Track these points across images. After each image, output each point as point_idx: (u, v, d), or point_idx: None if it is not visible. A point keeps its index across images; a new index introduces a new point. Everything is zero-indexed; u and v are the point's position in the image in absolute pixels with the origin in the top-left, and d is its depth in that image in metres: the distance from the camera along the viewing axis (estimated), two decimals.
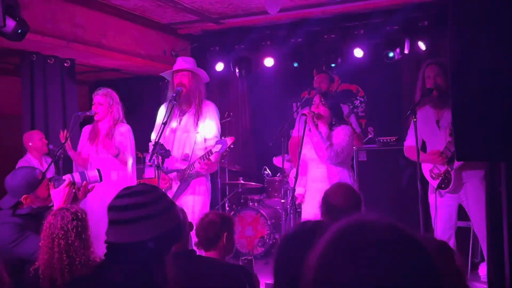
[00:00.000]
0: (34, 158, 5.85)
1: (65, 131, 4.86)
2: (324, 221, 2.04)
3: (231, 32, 7.58)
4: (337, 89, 7.57)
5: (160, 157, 4.08)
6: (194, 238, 3.05)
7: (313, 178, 4.42)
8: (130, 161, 4.96)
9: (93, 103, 4.94)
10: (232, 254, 3.09)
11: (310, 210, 4.22)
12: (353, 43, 7.00)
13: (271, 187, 6.98)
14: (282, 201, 6.11)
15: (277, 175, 6.89)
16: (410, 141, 4.46)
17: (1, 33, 4.73)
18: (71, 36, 5.95)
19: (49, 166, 4.89)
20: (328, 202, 3.02)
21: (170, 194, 4.51)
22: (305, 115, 4.37)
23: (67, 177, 3.14)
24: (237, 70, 7.64)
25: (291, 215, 4.77)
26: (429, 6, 6.50)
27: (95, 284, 1.74)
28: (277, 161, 6.67)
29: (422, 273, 1.00)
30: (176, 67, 4.70)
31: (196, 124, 4.55)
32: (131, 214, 1.69)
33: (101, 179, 3.30)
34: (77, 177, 3.18)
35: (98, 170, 3.30)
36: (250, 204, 6.86)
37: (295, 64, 7.41)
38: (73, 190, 3.09)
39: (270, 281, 1.88)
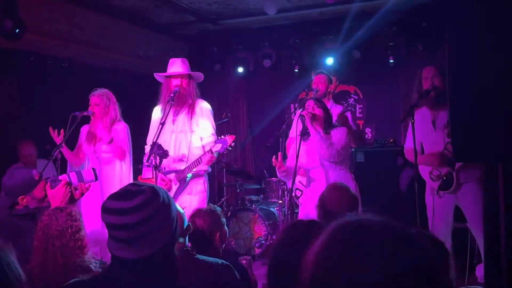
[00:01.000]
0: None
1: (56, 130, 4.83)
2: (317, 221, 2.05)
3: (229, 33, 7.59)
4: (334, 90, 7.58)
5: (158, 157, 4.07)
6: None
7: (315, 183, 4.42)
8: (127, 157, 4.97)
9: (89, 103, 4.95)
10: (227, 241, 3.10)
11: (308, 212, 4.22)
12: (351, 45, 7.01)
13: (268, 188, 6.98)
14: (280, 202, 6.11)
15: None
16: (409, 143, 4.47)
17: None
18: (69, 37, 5.94)
19: (46, 166, 4.88)
20: (324, 205, 3.02)
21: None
22: (303, 116, 4.38)
23: (63, 177, 3.13)
24: (235, 71, 7.65)
25: (289, 216, 4.78)
26: (427, 8, 6.52)
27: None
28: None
29: (420, 270, 1.00)
30: (172, 69, 4.69)
31: (190, 124, 4.55)
32: (133, 233, 1.61)
33: (96, 179, 3.29)
34: (73, 177, 3.17)
35: (93, 170, 3.29)
36: (248, 204, 6.86)
37: (299, 65, 7.43)
38: (70, 190, 3.08)
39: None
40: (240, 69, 7.77)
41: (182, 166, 4.51)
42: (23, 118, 6.11)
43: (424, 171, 4.35)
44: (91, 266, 2.47)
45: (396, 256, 1.00)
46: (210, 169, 4.78)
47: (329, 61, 7.22)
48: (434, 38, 6.68)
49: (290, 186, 4.37)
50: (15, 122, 6.48)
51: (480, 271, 4.62)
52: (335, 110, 5.39)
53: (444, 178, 4.26)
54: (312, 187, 4.41)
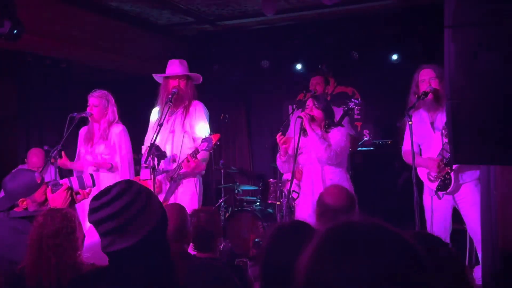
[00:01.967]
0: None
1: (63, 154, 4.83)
2: (301, 222, 2.06)
3: (228, 34, 7.59)
4: (333, 92, 7.58)
5: (155, 158, 4.07)
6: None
7: (310, 180, 4.41)
8: (126, 162, 4.96)
9: (88, 104, 4.93)
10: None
11: (305, 212, 4.22)
12: (349, 46, 7.02)
13: (266, 189, 6.97)
14: (278, 203, 6.10)
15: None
16: (407, 145, 4.47)
17: None
18: (67, 38, 5.94)
19: (43, 167, 4.88)
20: (323, 204, 3.03)
21: (160, 197, 4.50)
22: (301, 117, 4.38)
23: (64, 182, 3.16)
24: (233, 72, 7.65)
25: (287, 217, 4.77)
26: (425, 9, 6.52)
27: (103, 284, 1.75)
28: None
29: (410, 271, 1.01)
30: (172, 70, 4.69)
31: (183, 124, 4.55)
32: (119, 221, 1.69)
33: (94, 185, 3.32)
34: (74, 182, 3.21)
35: (91, 175, 3.32)
36: (246, 206, 6.86)
37: (298, 67, 7.42)
38: (70, 195, 3.10)
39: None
40: (239, 70, 7.77)
41: (173, 167, 4.52)
42: (21, 119, 6.10)
43: (422, 172, 4.35)
44: (82, 267, 2.48)
45: (388, 256, 1.00)
46: (203, 172, 4.77)
47: (328, 62, 7.22)
48: (433, 39, 6.68)
49: (288, 188, 4.37)
50: (12, 123, 6.47)
51: (477, 272, 4.62)
52: (336, 114, 5.40)
53: (442, 178, 4.26)
54: (308, 186, 4.40)
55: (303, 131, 4.44)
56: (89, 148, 4.91)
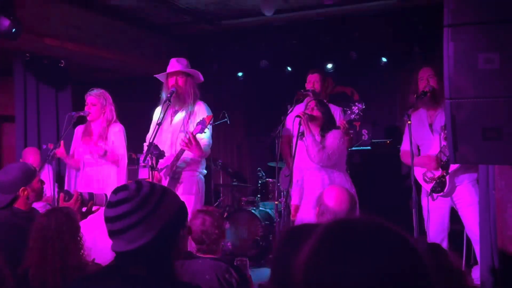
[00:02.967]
0: None
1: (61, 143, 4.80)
2: (314, 224, 2.05)
3: (226, 34, 7.58)
4: (331, 91, 7.58)
5: (154, 157, 4.06)
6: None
7: (311, 185, 4.40)
8: (122, 162, 4.95)
9: (86, 103, 4.92)
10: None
11: (305, 217, 4.21)
12: (348, 46, 7.02)
13: (265, 189, 6.97)
14: (276, 202, 6.10)
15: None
16: (405, 146, 4.46)
17: None
18: (65, 36, 5.93)
19: (41, 167, 4.87)
20: (323, 205, 3.02)
21: None
22: (300, 116, 4.37)
23: (74, 193, 3.16)
24: (231, 72, 7.65)
25: (285, 217, 4.76)
26: (423, 9, 6.53)
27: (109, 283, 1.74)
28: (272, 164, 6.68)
29: (410, 270, 1.00)
30: (170, 68, 4.69)
31: (187, 124, 4.54)
32: (124, 223, 1.67)
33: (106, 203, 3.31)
34: (85, 196, 3.19)
35: (106, 195, 3.29)
36: (244, 205, 6.85)
37: (288, 68, 7.43)
38: (83, 208, 3.11)
39: (264, 282, 1.87)
40: (237, 70, 7.76)
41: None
42: (19, 118, 6.09)
43: (418, 173, 4.35)
44: (87, 267, 2.47)
45: (387, 255, 1.00)
46: (205, 171, 4.76)
47: (326, 62, 7.23)
48: (431, 39, 6.69)
49: (287, 187, 4.37)
50: (10, 122, 6.47)
51: (476, 273, 4.62)
52: (335, 113, 5.39)
53: (437, 181, 4.26)
54: (309, 190, 4.39)
55: (301, 134, 4.44)
56: (88, 148, 4.90)
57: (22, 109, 6.06)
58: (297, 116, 4.41)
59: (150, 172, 4.11)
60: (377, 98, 7.60)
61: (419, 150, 4.47)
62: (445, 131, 3.62)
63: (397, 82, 7.38)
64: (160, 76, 4.76)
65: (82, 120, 5.08)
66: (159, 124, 4.31)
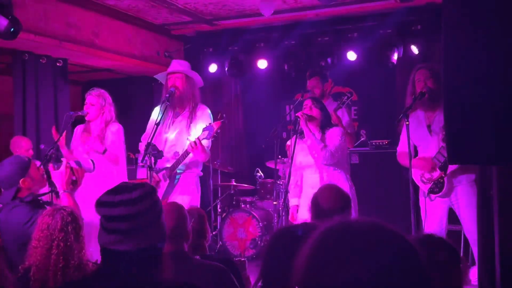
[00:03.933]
0: None
1: (54, 128, 4.82)
2: (312, 223, 2.04)
3: (225, 34, 7.58)
4: (330, 92, 7.59)
5: (152, 157, 4.06)
6: None
7: (309, 184, 4.41)
8: (122, 160, 4.95)
9: (85, 103, 4.91)
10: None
11: (307, 217, 4.21)
12: (347, 46, 7.02)
13: (263, 189, 6.97)
14: (274, 203, 6.10)
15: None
16: (402, 147, 4.46)
17: None
18: (64, 36, 5.93)
19: (39, 167, 4.86)
20: (317, 205, 3.02)
21: (159, 194, 4.50)
22: (299, 117, 4.38)
23: (63, 160, 3.24)
24: (230, 72, 7.65)
25: (283, 217, 4.77)
26: (422, 9, 6.53)
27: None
28: (270, 165, 6.67)
29: (409, 270, 1.01)
30: (170, 69, 4.70)
31: (189, 127, 4.55)
32: (133, 224, 1.66)
33: (94, 168, 3.49)
34: (73, 164, 3.32)
35: (92, 161, 3.40)
36: (242, 206, 6.86)
37: (291, 72, 7.43)
38: (73, 177, 3.17)
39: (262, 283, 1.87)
40: (235, 70, 7.76)
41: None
42: (17, 117, 6.08)
43: (415, 174, 4.34)
44: (87, 268, 2.47)
45: (386, 256, 1.00)
46: (201, 173, 4.76)
47: (325, 62, 7.22)
48: (429, 40, 6.69)
49: (285, 187, 4.37)
50: (9, 121, 6.46)
51: (473, 273, 4.62)
52: (332, 107, 5.41)
53: (435, 182, 4.26)
54: (308, 190, 4.39)
55: (299, 134, 4.44)
56: (86, 147, 4.89)
57: (20, 109, 6.05)
58: (296, 116, 4.42)
59: (148, 172, 4.10)
60: (376, 99, 7.61)
61: (416, 151, 4.48)
62: (444, 131, 3.62)
63: (396, 82, 7.38)
64: (160, 77, 4.77)
65: (81, 119, 5.07)
66: (157, 124, 4.32)
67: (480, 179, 3.16)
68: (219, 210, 7.21)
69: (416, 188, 4.40)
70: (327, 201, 2.99)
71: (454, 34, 2.25)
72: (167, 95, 4.44)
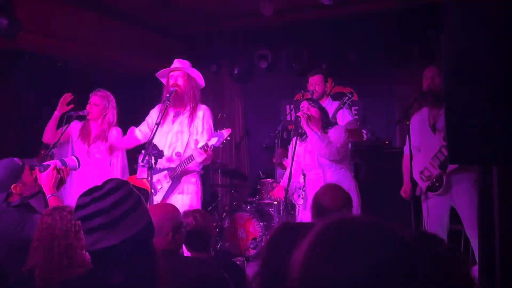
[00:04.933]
0: None
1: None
2: (309, 222, 2.05)
3: (225, 33, 7.58)
4: (330, 92, 7.59)
5: (153, 157, 4.05)
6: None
7: (313, 185, 4.40)
8: (120, 164, 4.96)
9: (88, 102, 4.90)
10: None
11: (308, 216, 4.21)
12: (348, 46, 7.02)
13: (263, 189, 6.97)
14: (275, 203, 6.10)
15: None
16: (407, 148, 4.43)
17: None
18: (64, 36, 5.93)
19: (31, 171, 4.86)
20: (318, 204, 3.03)
21: (161, 194, 4.49)
22: (299, 117, 4.39)
23: (50, 163, 3.23)
24: (230, 72, 7.65)
25: (284, 216, 4.77)
26: (424, 9, 6.53)
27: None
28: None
29: (403, 267, 1.02)
30: (172, 67, 4.69)
31: (190, 126, 4.54)
32: (110, 217, 1.66)
33: (79, 165, 3.47)
34: (58, 163, 3.30)
35: (76, 157, 3.47)
36: (243, 205, 6.85)
37: (292, 72, 7.44)
38: (59, 175, 3.17)
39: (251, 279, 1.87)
40: (236, 70, 7.77)
41: (175, 165, 4.50)
42: (17, 118, 6.08)
43: (415, 171, 4.33)
44: (89, 266, 2.46)
45: (381, 253, 1.02)
46: (202, 171, 4.76)
47: (325, 62, 7.22)
48: (431, 40, 6.69)
49: (286, 187, 4.37)
50: (9, 122, 6.46)
51: (474, 273, 4.62)
52: (333, 107, 5.40)
53: (434, 179, 4.26)
54: (311, 190, 4.39)
55: (299, 136, 4.45)
56: (86, 147, 4.88)
57: (21, 109, 6.06)
58: (297, 116, 4.42)
59: (149, 172, 4.10)
60: (376, 99, 7.61)
61: (420, 150, 4.45)
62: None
63: (397, 82, 7.39)
64: (161, 76, 4.75)
65: (80, 119, 5.06)
66: (157, 124, 4.31)
67: (480, 179, 3.16)
68: (220, 210, 7.21)
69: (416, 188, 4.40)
70: (328, 200, 2.99)
71: (456, 34, 2.26)
72: (168, 95, 4.43)
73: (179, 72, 4.58)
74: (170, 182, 4.50)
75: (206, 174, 5.02)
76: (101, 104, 4.87)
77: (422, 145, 4.41)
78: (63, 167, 3.29)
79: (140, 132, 4.67)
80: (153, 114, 4.69)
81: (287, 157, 6.68)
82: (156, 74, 4.80)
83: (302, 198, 4.64)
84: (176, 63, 4.68)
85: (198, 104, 4.61)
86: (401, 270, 1.01)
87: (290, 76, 7.67)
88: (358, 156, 6.41)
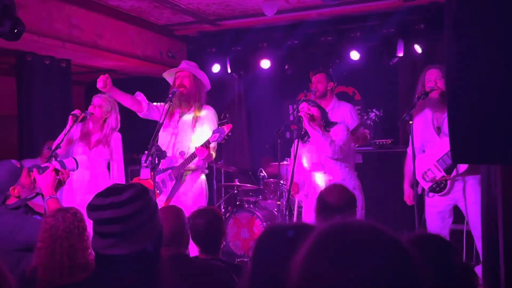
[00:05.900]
0: None
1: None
2: (303, 223, 2.04)
3: (228, 34, 7.59)
4: (333, 91, 7.59)
5: (156, 158, 4.06)
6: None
7: (317, 185, 4.41)
8: (122, 166, 4.97)
9: (92, 103, 4.90)
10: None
11: (311, 216, 4.21)
12: (349, 46, 7.02)
13: (266, 189, 6.97)
14: (278, 203, 6.10)
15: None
16: (410, 149, 4.41)
17: None
18: (67, 37, 5.94)
19: (29, 173, 4.86)
20: (322, 201, 3.03)
21: (165, 194, 4.50)
22: (301, 117, 4.39)
23: (49, 165, 3.23)
24: (233, 72, 7.65)
25: (287, 216, 4.77)
26: (425, 9, 6.52)
27: None
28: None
29: (401, 273, 1.02)
30: (179, 67, 4.72)
31: (194, 126, 4.55)
32: (126, 226, 1.62)
33: (77, 167, 3.46)
34: (56, 165, 3.30)
35: (74, 159, 3.46)
36: (246, 206, 6.86)
37: (294, 71, 7.44)
38: (58, 177, 3.16)
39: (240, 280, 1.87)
40: (238, 70, 7.77)
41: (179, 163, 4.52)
42: (21, 118, 6.10)
43: (418, 172, 4.32)
44: (92, 268, 2.46)
45: (379, 258, 1.02)
46: (207, 171, 4.77)
47: (328, 62, 7.22)
48: (432, 39, 6.69)
49: (288, 187, 4.37)
50: (13, 122, 6.48)
51: (478, 272, 4.61)
52: (342, 107, 5.38)
53: (437, 182, 4.24)
54: (313, 190, 4.39)
55: (301, 138, 4.45)
56: (87, 150, 4.88)
57: (24, 109, 6.07)
58: (299, 116, 4.42)
59: (152, 172, 4.11)
60: (378, 98, 7.60)
61: (424, 151, 4.44)
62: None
63: (398, 82, 7.38)
64: (168, 76, 4.77)
65: (82, 120, 5.05)
66: (160, 124, 4.32)
67: (483, 178, 3.15)
68: (223, 210, 7.21)
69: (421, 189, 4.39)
70: (333, 199, 3.00)
71: (457, 33, 2.25)
72: (170, 95, 4.45)
73: (185, 73, 4.60)
74: (174, 181, 4.51)
75: (210, 174, 5.02)
76: (104, 107, 4.87)
77: (425, 146, 4.39)
78: (62, 169, 3.27)
79: (147, 105, 4.66)
80: (160, 108, 4.69)
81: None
82: (163, 74, 4.83)
83: (306, 196, 4.65)
84: (184, 64, 4.71)
85: (203, 105, 4.63)
86: (398, 275, 1.02)
87: (293, 76, 7.67)
88: (361, 156, 6.41)
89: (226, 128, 4.26)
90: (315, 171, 4.46)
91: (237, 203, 7.15)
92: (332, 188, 3.15)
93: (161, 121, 4.33)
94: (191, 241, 2.99)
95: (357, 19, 6.98)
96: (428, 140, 4.33)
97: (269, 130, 7.54)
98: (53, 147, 4.55)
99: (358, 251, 1.02)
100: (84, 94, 8.46)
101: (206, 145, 4.26)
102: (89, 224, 1.80)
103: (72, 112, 4.76)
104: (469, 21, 2.24)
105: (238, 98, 8.43)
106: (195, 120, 4.56)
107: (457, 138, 2.30)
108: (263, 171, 7.05)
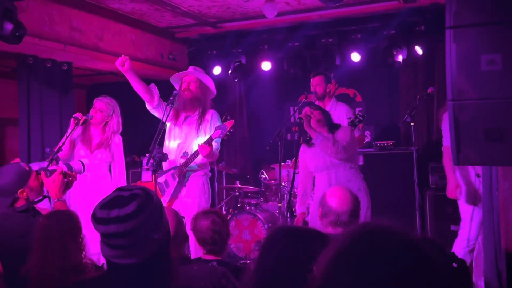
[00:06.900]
0: None
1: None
2: (304, 227, 2.04)
3: (229, 36, 7.60)
4: (334, 93, 7.59)
5: (157, 160, 4.07)
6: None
7: (322, 188, 4.40)
8: (123, 169, 4.98)
9: (93, 107, 4.91)
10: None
11: (317, 219, 4.20)
12: (350, 47, 7.03)
13: (268, 191, 6.97)
14: (279, 205, 6.10)
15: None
16: (446, 141, 4.30)
17: None
18: (68, 39, 5.95)
19: (37, 176, 4.86)
20: (326, 206, 3.02)
21: (167, 194, 4.52)
22: (301, 118, 4.39)
23: (56, 168, 3.24)
24: (234, 74, 7.66)
25: (288, 218, 4.77)
26: (426, 10, 6.53)
27: None
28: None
29: (426, 279, 1.02)
30: (185, 72, 4.79)
31: (198, 129, 4.60)
32: (132, 239, 1.62)
33: (84, 169, 3.51)
34: (64, 168, 3.33)
35: (81, 162, 3.50)
36: (247, 208, 6.85)
37: (295, 73, 7.43)
38: (65, 179, 3.17)
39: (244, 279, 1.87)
40: (239, 72, 7.77)
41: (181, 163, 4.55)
42: (22, 121, 6.10)
43: (471, 172, 4.18)
44: (86, 269, 2.46)
45: (403, 264, 1.02)
46: (210, 174, 4.79)
47: (328, 64, 7.22)
48: (433, 41, 6.69)
49: (289, 189, 4.38)
50: (14, 125, 6.48)
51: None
52: (338, 109, 5.39)
53: None
54: (320, 193, 4.39)
55: (306, 142, 4.46)
56: (89, 153, 4.88)
57: (25, 113, 6.07)
58: (300, 118, 4.43)
59: (153, 175, 4.12)
60: (380, 100, 7.60)
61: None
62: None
63: (400, 83, 7.38)
64: (175, 80, 4.83)
65: (83, 123, 5.06)
66: (162, 125, 4.34)
67: (485, 180, 3.15)
68: (224, 212, 7.21)
69: (421, 190, 4.38)
70: (336, 201, 2.99)
71: (458, 35, 2.26)
72: (171, 98, 4.47)
73: (192, 78, 4.68)
74: (177, 180, 4.53)
75: (211, 176, 5.03)
76: (106, 111, 4.89)
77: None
78: (69, 172, 3.29)
79: (159, 99, 4.73)
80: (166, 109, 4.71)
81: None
82: (170, 78, 4.88)
83: (312, 197, 4.66)
84: (191, 69, 4.78)
85: (207, 109, 4.69)
86: (424, 285, 1.01)
87: (294, 78, 7.67)
88: (362, 157, 6.41)
89: (228, 124, 4.30)
90: (320, 172, 4.45)
91: (239, 205, 7.14)
92: (335, 191, 3.13)
93: (162, 121, 4.36)
94: (195, 242, 3.00)
95: (358, 21, 6.98)
96: None
97: (270, 131, 7.55)
98: (55, 150, 4.55)
99: (382, 258, 1.02)
100: (85, 97, 8.47)
101: (209, 142, 4.30)
102: (90, 224, 1.80)
103: (74, 115, 4.76)
104: (469, 23, 2.25)
105: (239, 100, 8.43)
106: (199, 122, 4.61)
107: (459, 140, 2.30)
108: (264, 173, 7.06)
